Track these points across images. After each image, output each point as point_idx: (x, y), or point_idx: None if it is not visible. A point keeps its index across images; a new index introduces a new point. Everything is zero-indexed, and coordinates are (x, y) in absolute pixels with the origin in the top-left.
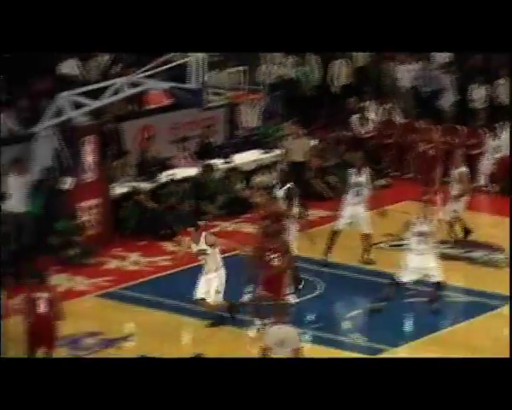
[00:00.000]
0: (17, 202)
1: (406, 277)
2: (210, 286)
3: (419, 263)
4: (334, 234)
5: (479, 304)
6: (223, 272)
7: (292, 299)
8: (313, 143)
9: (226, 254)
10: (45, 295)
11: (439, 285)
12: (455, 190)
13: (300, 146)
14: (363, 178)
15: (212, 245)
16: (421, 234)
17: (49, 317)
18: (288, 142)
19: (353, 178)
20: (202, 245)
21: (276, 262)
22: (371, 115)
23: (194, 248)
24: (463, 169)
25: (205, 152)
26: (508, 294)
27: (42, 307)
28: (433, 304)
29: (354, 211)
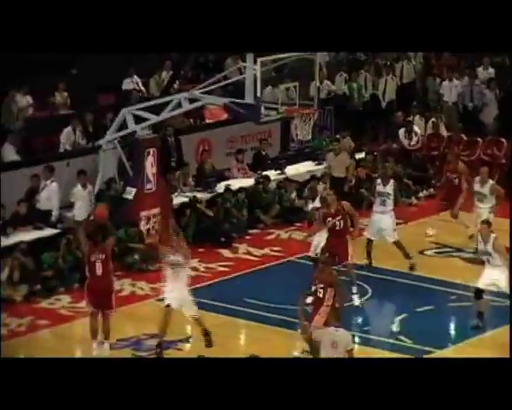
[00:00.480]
0: (83, 211)
1: (481, 285)
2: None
3: (489, 278)
4: (368, 242)
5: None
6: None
7: (356, 301)
8: (362, 155)
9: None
10: (101, 256)
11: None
12: (488, 203)
13: (341, 162)
14: (389, 188)
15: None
16: (484, 253)
17: (106, 277)
18: (330, 158)
19: (379, 188)
20: (179, 257)
21: (319, 294)
22: (417, 129)
23: (172, 257)
24: (491, 181)
25: (260, 164)
26: None
27: (98, 269)
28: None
29: (379, 220)
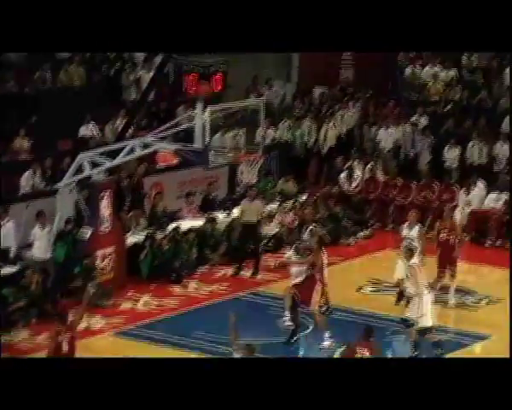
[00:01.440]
0: (41, 250)
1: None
2: None
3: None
4: None
5: (452, 343)
6: None
7: (326, 342)
8: (304, 197)
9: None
10: (68, 335)
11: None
12: (415, 246)
13: (255, 208)
14: (306, 235)
15: None
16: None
17: (72, 354)
18: (243, 204)
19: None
20: None
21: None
22: (357, 173)
23: None
24: (419, 226)
25: (208, 206)
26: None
27: (65, 347)
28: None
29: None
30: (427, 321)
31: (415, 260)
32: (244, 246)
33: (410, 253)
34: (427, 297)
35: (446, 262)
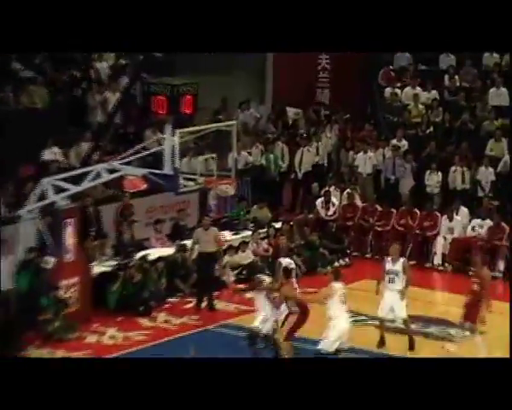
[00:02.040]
0: (3, 280)
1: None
2: None
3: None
4: None
5: None
6: None
7: None
8: (279, 224)
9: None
10: None
11: None
12: (399, 283)
13: (211, 236)
14: (277, 266)
15: None
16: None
17: None
18: (199, 233)
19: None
20: None
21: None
22: (334, 199)
23: None
24: (402, 259)
25: (178, 233)
26: None
27: None
28: None
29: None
30: (330, 347)
31: (338, 283)
32: (203, 276)
33: (336, 273)
34: (343, 326)
35: (472, 315)
